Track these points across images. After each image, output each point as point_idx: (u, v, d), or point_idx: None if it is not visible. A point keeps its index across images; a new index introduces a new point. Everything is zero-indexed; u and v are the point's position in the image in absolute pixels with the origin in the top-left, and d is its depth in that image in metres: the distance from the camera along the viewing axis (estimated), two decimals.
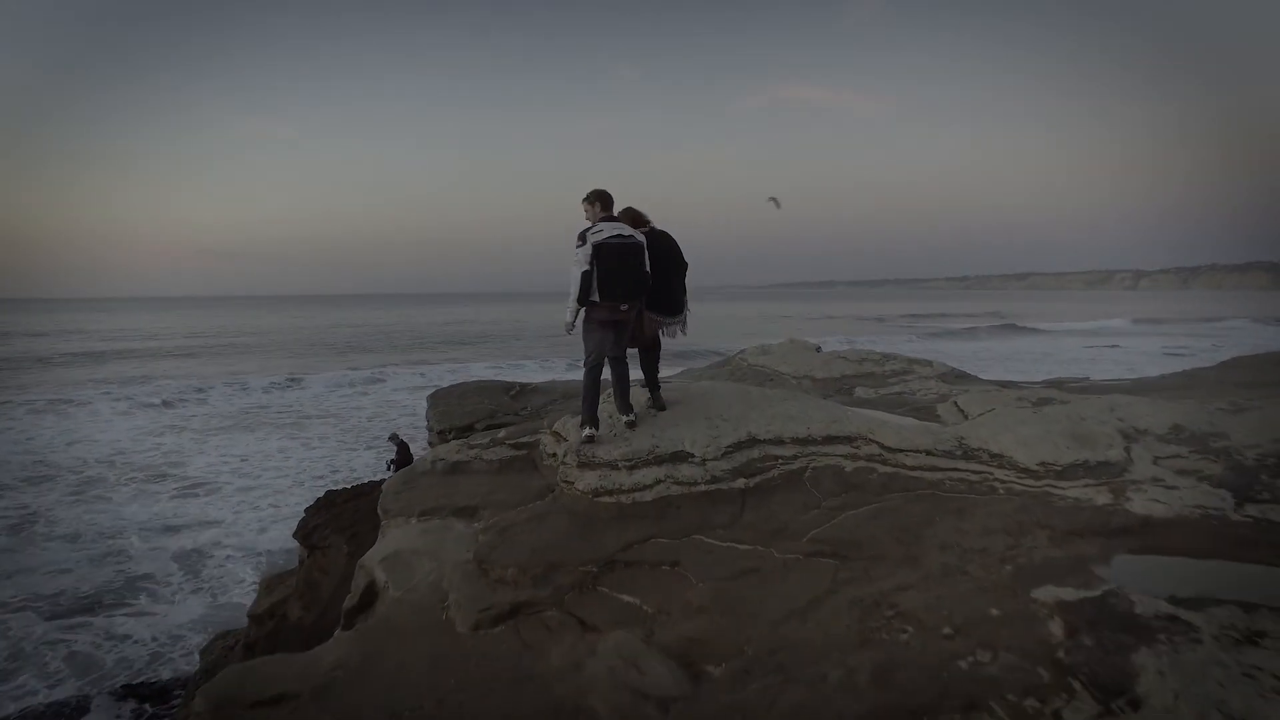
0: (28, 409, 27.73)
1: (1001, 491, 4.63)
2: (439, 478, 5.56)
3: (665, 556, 4.26)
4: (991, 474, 4.81)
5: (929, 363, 10.78)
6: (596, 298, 5.03)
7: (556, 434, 5.74)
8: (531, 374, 32.62)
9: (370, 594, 4.51)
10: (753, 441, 5.31)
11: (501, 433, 6.72)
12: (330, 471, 19.49)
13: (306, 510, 14.87)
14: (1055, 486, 4.57)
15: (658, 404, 5.77)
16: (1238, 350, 39.38)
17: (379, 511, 5.23)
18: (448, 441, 10.84)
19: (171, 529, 15.24)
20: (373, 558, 4.68)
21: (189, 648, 10.63)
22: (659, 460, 5.00)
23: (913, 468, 5.01)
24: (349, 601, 4.54)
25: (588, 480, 4.87)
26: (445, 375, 32.02)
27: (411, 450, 12.97)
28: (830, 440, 5.37)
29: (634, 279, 5.12)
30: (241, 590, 12.68)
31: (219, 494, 17.66)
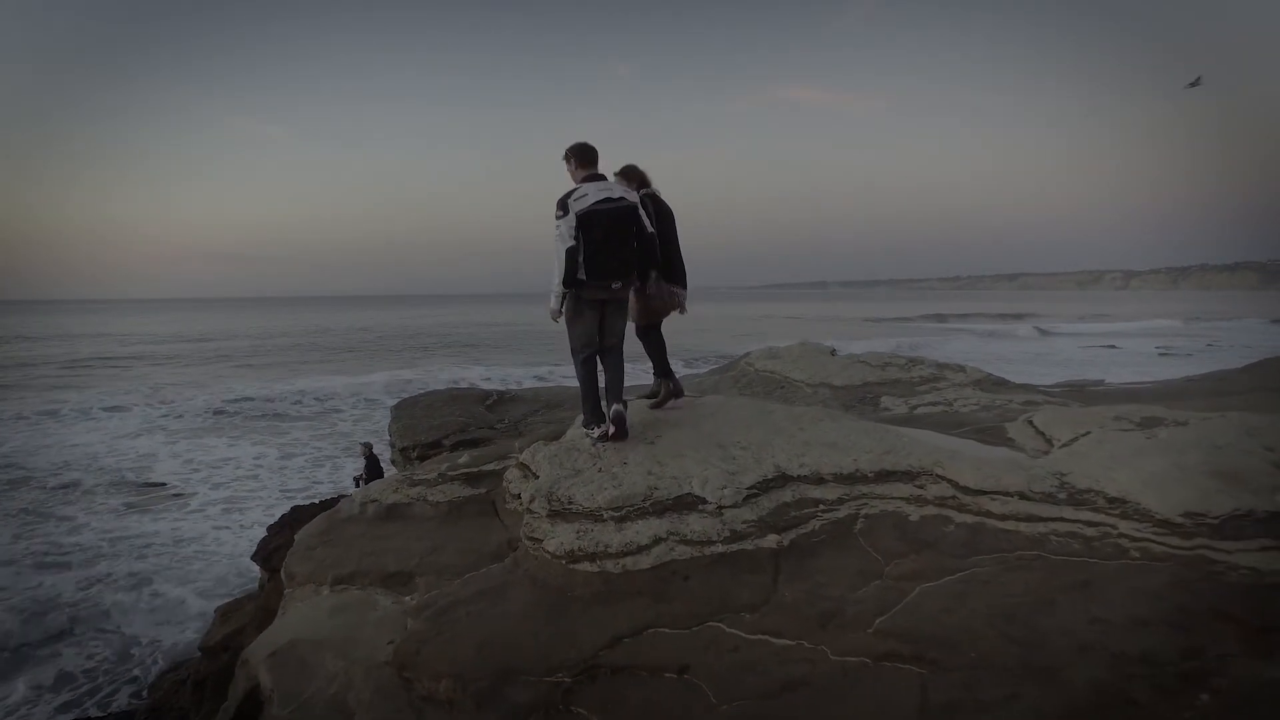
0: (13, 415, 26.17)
1: (1135, 554, 3.32)
2: (368, 527, 4.21)
3: (669, 658, 2.94)
4: (1114, 528, 3.50)
5: (961, 368, 9.50)
6: (584, 276, 4.17)
7: (525, 467, 4.40)
8: (522, 380, 31.19)
9: (252, 705, 3.17)
10: (783, 479, 4.00)
11: (464, 456, 5.41)
12: (310, 484, 18.10)
13: (269, 529, 13.56)
14: (1214, 548, 3.26)
15: (676, 390, 5.05)
16: (1235, 350, 38.32)
17: (282, 576, 3.88)
18: (411, 460, 9.52)
19: (123, 542, 13.85)
20: (259, 651, 3.34)
21: (136, 680, 9.31)
22: (659, 508, 3.68)
23: (1002, 517, 3.69)
24: (223, 717, 3.19)
25: (561, 538, 3.54)
26: (436, 381, 30.61)
27: (382, 465, 11.63)
28: (885, 477, 4.05)
29: (629, 250, 4.28)
30: (201, 616, 11.38)
31: (184, 506, 16.21)
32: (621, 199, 4.25)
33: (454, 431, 9.99)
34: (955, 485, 3.92)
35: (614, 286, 4.28)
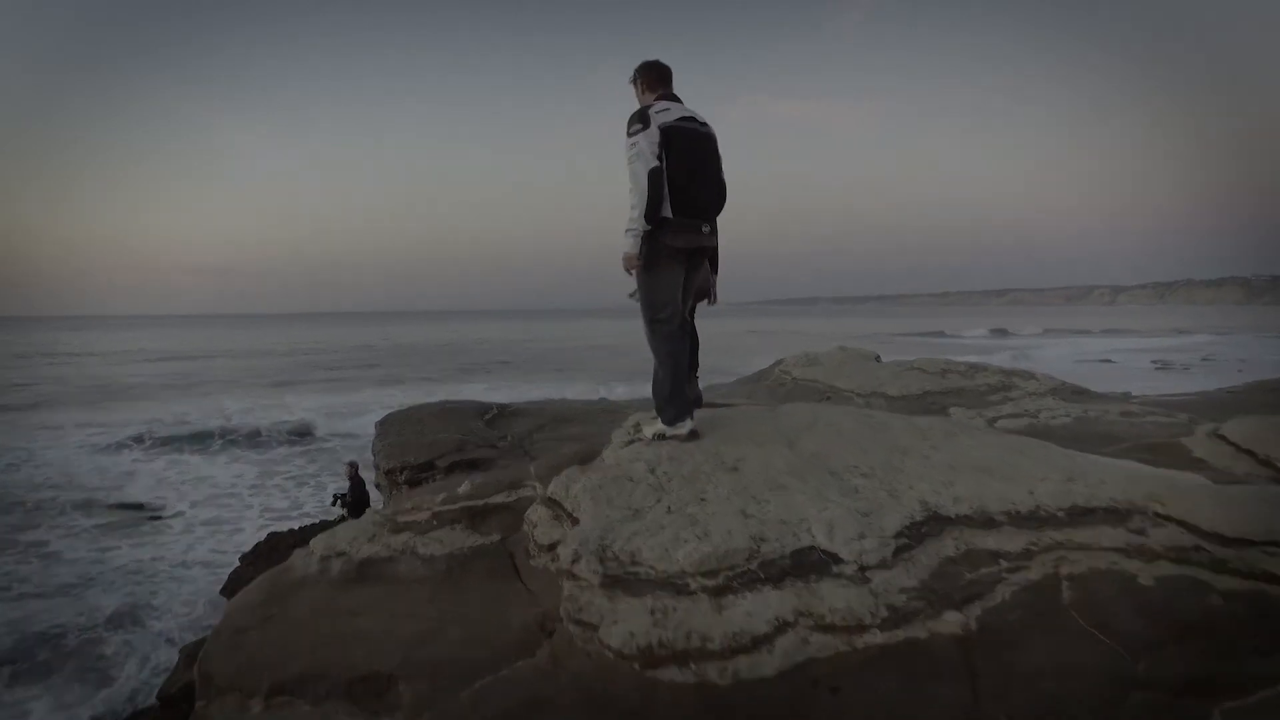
0: None
1: None
2: (331, 595, 2.90)
3: None
4: None
5: (1031, 375, 8.29)
6: (669, 213, 3.23)
7: (556, 505, 3.11)
8: (519, 394, 29.74)
9: None
10: (937, 521, 2.74)
11: (464, 485, 4.14)
12: (293, 505, 16.68)
13: (241, 558, 12.20)
14: None
15: (696, 398, 3.97)
16: (1232, 363, 37.33)
17: (195, 677, 2.57)
18: (398, 485, 8.19)
19: (91, 569, 12.43)
20: None
21: None
22: (774, 572, 2.42)
23: (1270, 578, 2.45)
24: None
25: (628, 623, 2.27)
26: (429, 397, 29.05)
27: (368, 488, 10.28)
28: (1081, 516, 2.80)
29: (717, 187, 3.42)
30: (166, 656, 10.03)
31: (159, 530, 14.73)
32: (706, 124, 3.40)
33: (449, 450, 8.65)
34: (1193, 530, 2.67)
35: (704, 230, 3.35)
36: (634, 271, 3.32)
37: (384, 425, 9.51)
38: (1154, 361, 40.59)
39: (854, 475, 3.04)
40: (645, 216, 3.17)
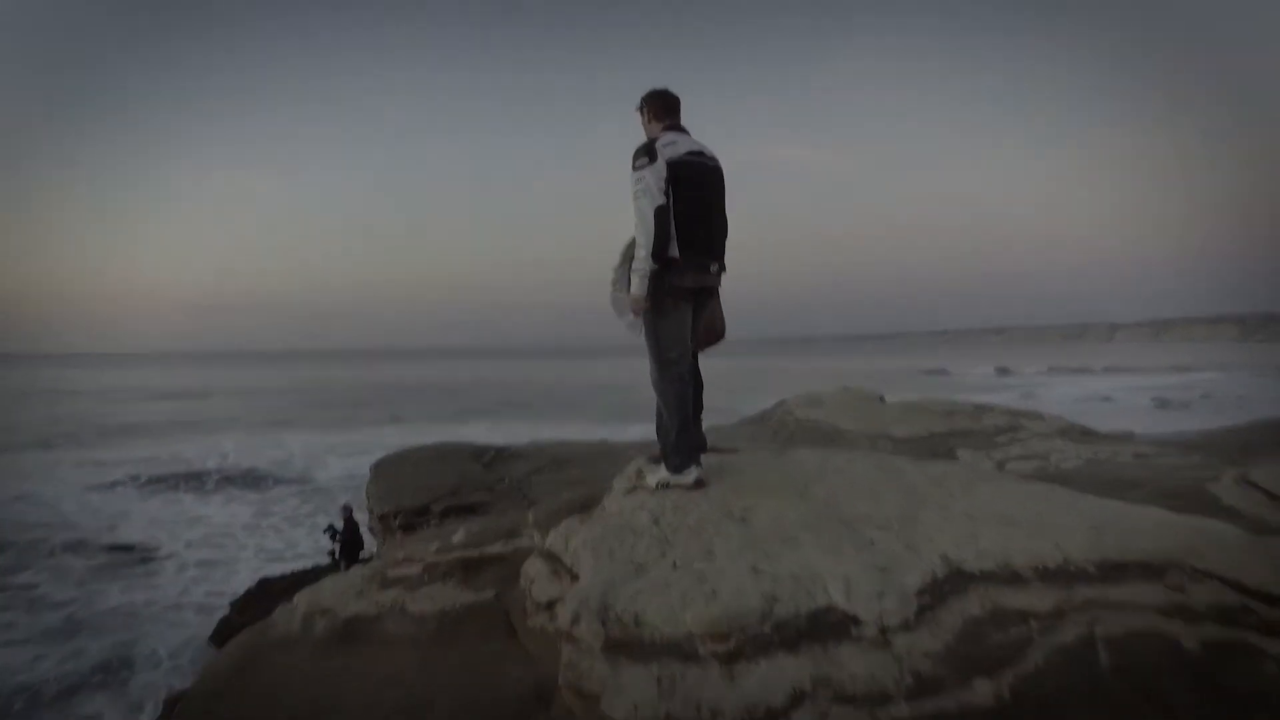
0: None
1: None
2: (312, 659, 2.71)
3: None
4: None
5: (1039, 415, 8.15)
6: (676, 252, 3.11)
7: (554, 559, 2.94)
8: (517, 435, 29.31)
9: None
10: (960, 578, 2.57)
11: (459, 533, 3.96)
12: (288, 546, 16.33)
13: (231, 605, 11.90)
14: None
15: (699, 443, 3.52)
16: (1231, 400, 36.97)
17: None
18: (392, 531, 7.98)
19: (80, 613, 12.08)
20: None
21: None
22: (789, 635, 2.24)
23: None
24: None
25: (632, 693, 2.09)
26: (428, 436, 28.64)
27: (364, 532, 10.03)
28: (1115, 572, 2.62)
29: (724, 226, 3.35)
30: (150, 714, 9.65)
31: (151, 573, 14.41)
32: (715, 158, 3.28)
33: (444, 494, 8.48)
34: (1237, 587, 2.50)
35: (713, 270, 3.24)
36: (640, 313, 3.19)
37: (379, 468, 9.34)
38: (1153, 399, 40.27)
39: (869, 526, 2.87)
40: (652, 256, 3.05)
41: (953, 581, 2.56)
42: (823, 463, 3.43)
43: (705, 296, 3.33)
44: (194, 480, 23.17)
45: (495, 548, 3.80)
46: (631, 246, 3.15)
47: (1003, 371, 69.92)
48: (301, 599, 2.99)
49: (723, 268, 3.31)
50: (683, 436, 3.24)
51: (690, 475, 3.24)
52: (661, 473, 3.31)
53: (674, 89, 3.36)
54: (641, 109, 3.38)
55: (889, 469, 3.40)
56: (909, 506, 3.05)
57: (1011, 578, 2.60)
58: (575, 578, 2.68)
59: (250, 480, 23.31)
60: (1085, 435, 7.74)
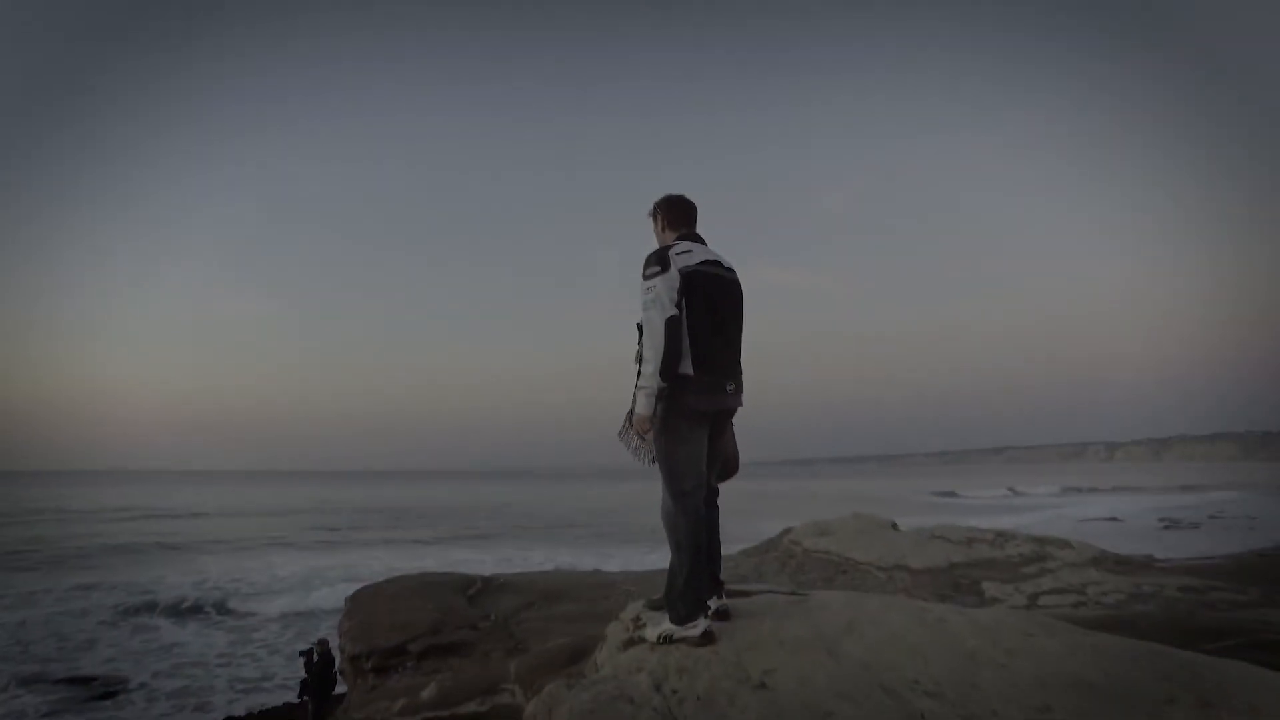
0: None
1: None
2: None
3: None
4: None
5: (1066, 542, 7.58)
6: (690, 369, 2.80)
7: None
8: (507, 561, 28.05)
9: None
10: None
11: (428, 690, 3.45)
12: (264, 675, 15.18)
13: None
14: None
15: (720, 608, 3.02)
16: (1240, 520, 35.99)
17: None
18: (364, 673, 7.22)
19: None
20: None
21: None
22: None
23: None
24: None
25: None
26: (418, 559, 27.38)
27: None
28: None
29: (740, 342, 3.04)
30: None
31: (114, 709, 13.25)
32: (732, 270, 3.04)
33: (424, 632, 7.74)
34: None
35: (729, 389, 2.90)
36: (647, 437, 2.83)
37: (354, 601, 8.65)
38: (1161, 519, 39.28)
39: (917, 694, 2.37)
40: (661, 373, 2.72)
41: None
42: (853, 611, 2.94)
43: (721, 420, 2.99)
44: (170, 605, 21.98)
45: (469, 706, 3.29)
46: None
47: (1015, 493, 68.87)
48: None
49: (739, 388, 2.97)
50: (692, 581, 2.79)
51: (698, 628, 2.76)
52: (665, 625, 2.83)
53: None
54: (654, 215, 3.15)
55: (930, 619, 2.90)
56: (960, 667, 2.56)
57: None
58: None
59: (228, 606, 22.11)
60: (1120, 564, 7.18)
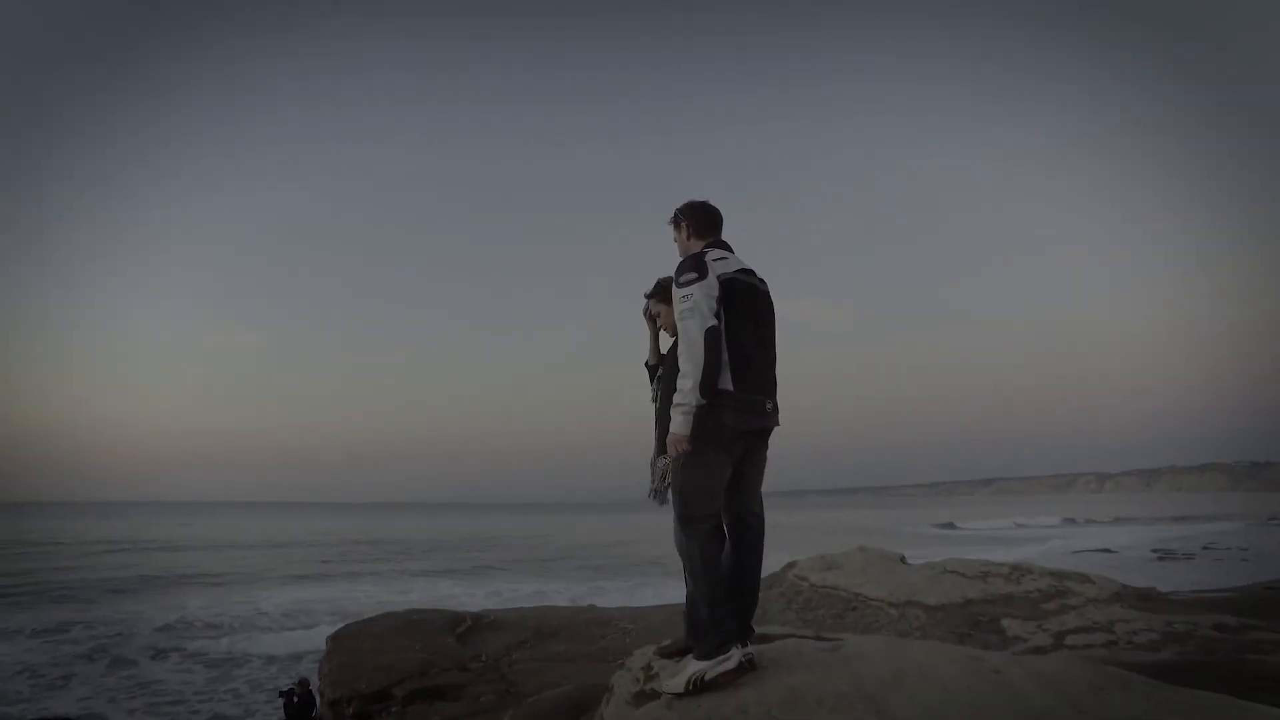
0: None
1: None
2: None
3: None
4: None
5: (1086, 576, 7.28)
6: (729, 384, 2.53)
7: None
8: (498, 595, 27.33)
9: None
10: None
11: None
12: (245, 715, 14.64)
13: None
14: None
15: (745, 658, 2.57)
16: (1234, 552, 35.72)
17: None
18: (345, 718, 6.78)
19: None
20: None
21: None
22: None
23: None
24: None
25: None
26: (406, 593, 26.69)
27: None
28: None
29: (775, 357, 2.79)
30: None
31: None
32: (765, 282, 2.80)
33: (410, 675, 7.30)
34: None
35: (769, 408, 2.66)
36: (679, 456, 2.51)
37: (335, 641, 8.21)
38: (1154, 550, 38.99)
39: None
40: (700, 388, 2.44)
41: None
42: (896, 661, 2.60)
43: (759, 439, 2.69)
44: (150, 641, 21.32)
45: None
46: (673, 378, 2.56)
47: (1019, 525, 68.54)
48: None
49: (777, 406, 2.70)
50: (717, 611, 2.46)
51: (732, 659, 2.43)
52: (690, 665, 2.49)
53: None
54: (677, 222, 2.90)
55: (984, 669, 2.57)
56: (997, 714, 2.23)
57: None
58: None
59: (211, 640, 21.45)
60: (1143, 600, 6.87)
